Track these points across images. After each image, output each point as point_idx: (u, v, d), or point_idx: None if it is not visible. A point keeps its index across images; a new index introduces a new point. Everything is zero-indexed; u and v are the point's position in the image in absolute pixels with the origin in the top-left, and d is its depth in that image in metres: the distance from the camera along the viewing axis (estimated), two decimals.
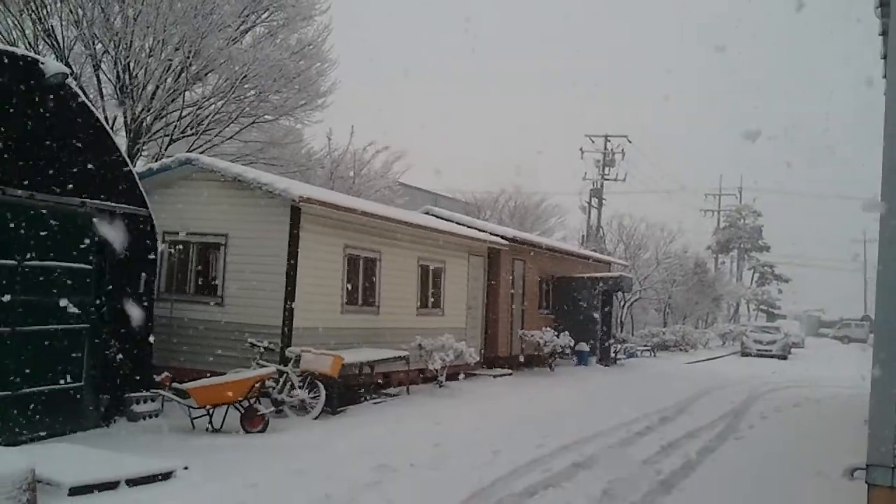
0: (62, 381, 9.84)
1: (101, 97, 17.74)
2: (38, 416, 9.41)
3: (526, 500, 8.05)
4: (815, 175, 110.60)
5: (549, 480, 8.89)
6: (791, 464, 10.95)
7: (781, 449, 12.22)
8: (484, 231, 20.51)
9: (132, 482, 7.29)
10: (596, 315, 24.41)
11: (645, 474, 9.60)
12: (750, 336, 40.04)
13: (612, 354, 25.85)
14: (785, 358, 37.64)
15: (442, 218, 20.72)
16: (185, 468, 8.00)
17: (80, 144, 10.43)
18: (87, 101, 10.96)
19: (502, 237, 20.51)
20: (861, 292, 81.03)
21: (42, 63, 9.86)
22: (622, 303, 35.90)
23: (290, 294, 13.02)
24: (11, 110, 9.50)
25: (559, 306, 24.41)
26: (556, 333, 21.62)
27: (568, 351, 22.43)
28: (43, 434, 9.39)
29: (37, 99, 9.78)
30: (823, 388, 22.74)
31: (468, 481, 8.51)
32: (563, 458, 10.12)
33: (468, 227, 20.32)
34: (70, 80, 10.38)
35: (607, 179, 44.79)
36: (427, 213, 21.05)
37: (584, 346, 23.48)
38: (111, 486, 7.11)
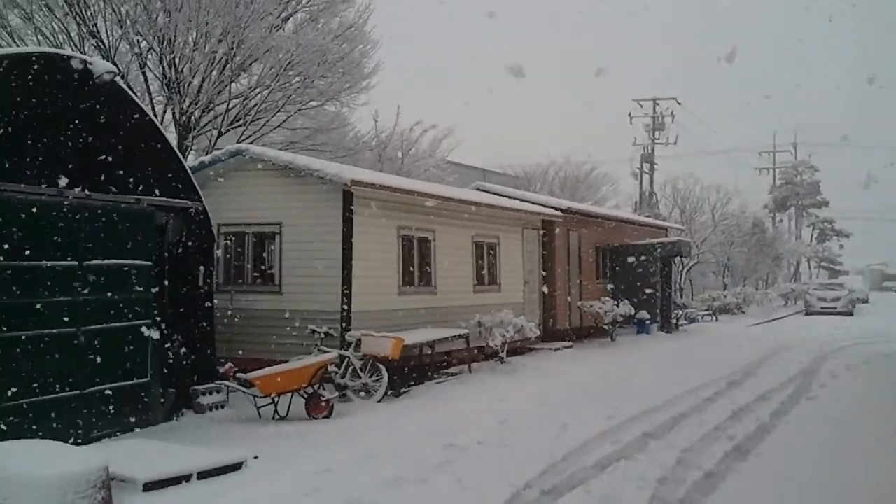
0: (129, 378, 9.95)
1: (149, 94, 17.90)
2: (106, 414, 9.52)
3: (599, 472, 7.94)
4: (871, 123, 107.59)
5: (621, 452, 8.77)
6: (866, 425, 10.68)
7: (855, 409, 11.93)
8: (537, 203, 20.29)
9: (204, 474, 7.33)
10: (655, 282, 24.03)
11: (718, 441, 9.42)
12: (813, 294, 39.38)
13: (674, 321, 25.50)
14: (850, 314, 36.92)
15: (493, 193, 20.56)
16: (255, 457, 8.02)
17: (132, 142, 10.46)
18: (136, 98, 11.03)
19: (556, 208, 20.27)
20: None
21: (90, 63, 9.91)
22: (680, 268, 35.40)
23: (346, 278, 13.01)
24: (63, 112, 9.58)
25: (617, 275, 24.09)
26: (615, 303, 21.38)
27: (628, 319, 22.19)
28: (113, 431, 9.51)
29: (89, 99, 9.84)
30: (892, 343, 22.18)
31: (539, 456, 8.42)
32: (632, 429, 9.98)
33: (521, 200, 20.12)
34: (118, 79, 10.43)
35: (658, 143, 44.10)
36: (478, 189, 20.90)
37: (645, 314, 23.16)
38: (184, 479, 7.15)
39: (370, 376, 12.20)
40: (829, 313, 36.76)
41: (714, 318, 31.97)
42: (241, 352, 12.81)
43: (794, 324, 32.25)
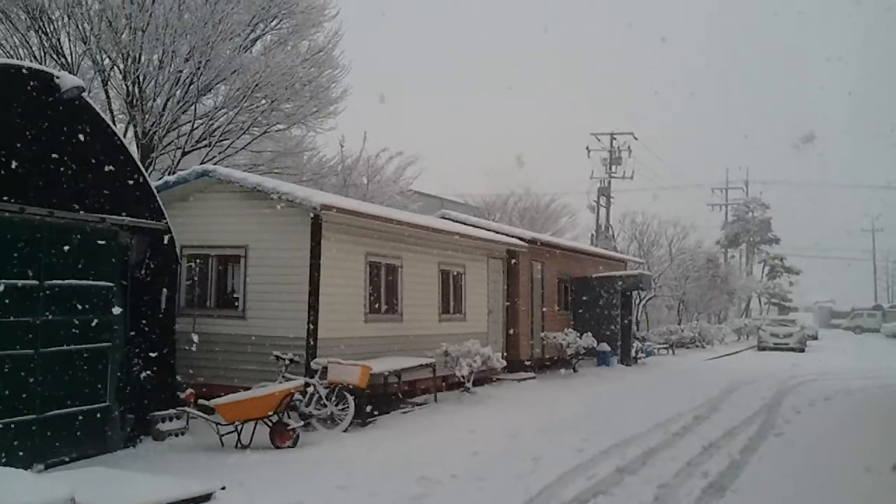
0: (87, 402, 9.62)
1: (110, 111, 17.49)
2: (63, 439, 9.19)
3: None
4: (822, 164, 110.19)
5: (597, 487, 8.61)
6: (837, 460, 10.66)
7: (824, 444, 11.92)
8: (501, 233, 20.21)
9: None
10: (616, 314, 24.06)
11: (692, 477, 9.30)
12: (766, 330, 39.75)
13: (633, 354, 25.53)
14: (802, 350, 37.32)
15: (458, 221, 20.43)
16: (223, 488, 7.68)
17: (97, 159, 10.19)
18: (102, 115, 10.72)
19: (520, 239, 20.21)
20: (870, 281, 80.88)
21: (57, 77, 9.64)
22: (637, 301, 35.56)
23: (313, 304, 12.72)
24: (28, 126, 9.27)
25: (578, 307, 24.09)
26: (578, 334, 21.32)
27: (589, 351, 22.13)
28: (70, 457, 9.18)
29: (53, 114, 9.54)
30: (849, 379, 22.41)
31: (515, 491, 8.24)
32: (606, 463, 9.83)
33: (485, 229, 20.04)
34: (85, 95, 10.13)
35: (615, 177, 44.43)
36: (444, 218, 20.77)
37: (605, 346, 23.14)
38: None
39: (336, 405, 11.91)
40: (782, 349, 37.17)
41: (671, 352, 32.11)
42: (203, 377, 12.50)
43: (749, 359, 32.49)
